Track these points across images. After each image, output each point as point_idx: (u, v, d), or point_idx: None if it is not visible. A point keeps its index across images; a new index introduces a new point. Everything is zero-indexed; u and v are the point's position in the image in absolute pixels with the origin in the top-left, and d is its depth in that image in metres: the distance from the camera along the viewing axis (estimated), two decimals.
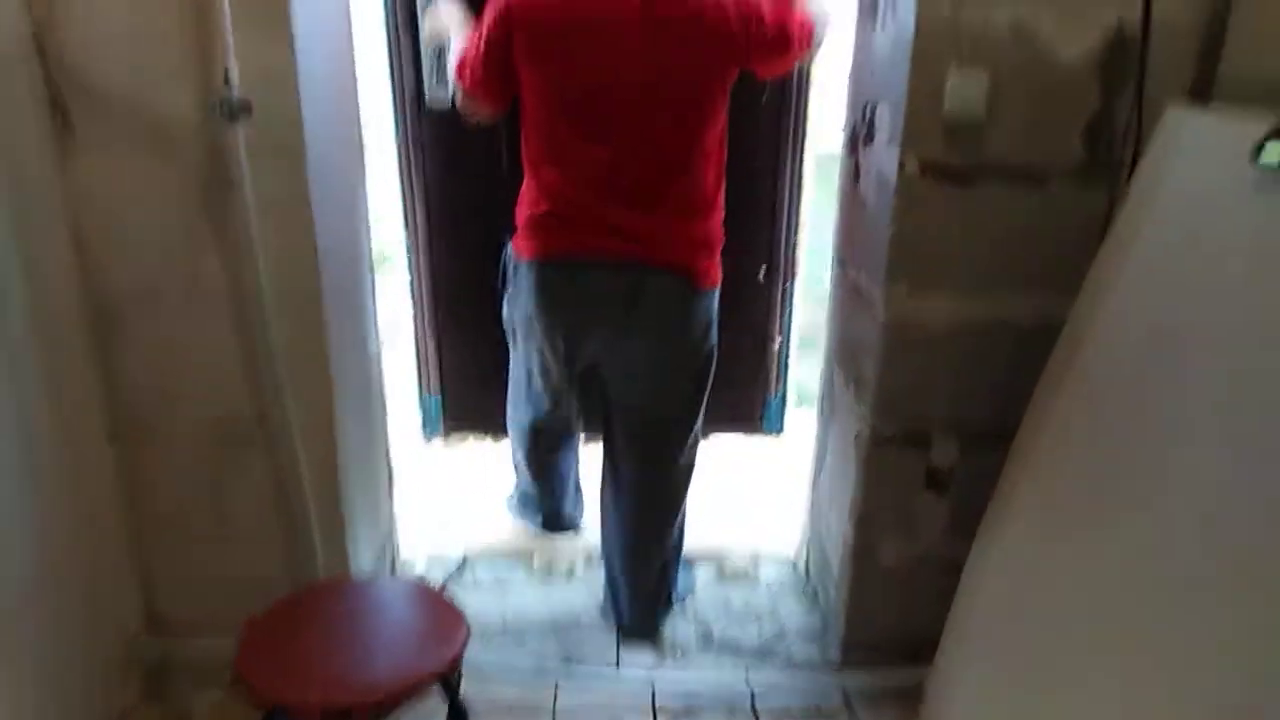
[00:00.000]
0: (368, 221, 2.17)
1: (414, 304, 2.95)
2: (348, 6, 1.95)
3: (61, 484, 1.69)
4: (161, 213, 1.70)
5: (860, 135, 1.99)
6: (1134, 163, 1.69)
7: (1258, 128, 1.30)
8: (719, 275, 2.03)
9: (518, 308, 2.10)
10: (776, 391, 2.93)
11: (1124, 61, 1.68)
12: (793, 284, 2.78)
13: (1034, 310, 1.80)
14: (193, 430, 1.84)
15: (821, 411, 2.33)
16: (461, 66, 1.97)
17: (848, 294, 2.08)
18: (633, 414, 2.12)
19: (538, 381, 2.20)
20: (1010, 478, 1.69)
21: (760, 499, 2.82)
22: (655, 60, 1.80)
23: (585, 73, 1.81)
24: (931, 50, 1.67)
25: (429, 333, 2.97)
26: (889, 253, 1.78)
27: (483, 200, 2.72)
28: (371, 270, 2.22)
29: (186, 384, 1.81)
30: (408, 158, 2.73)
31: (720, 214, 1.99)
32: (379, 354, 2.30)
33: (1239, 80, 1.64)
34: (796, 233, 2.67)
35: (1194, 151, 1.47)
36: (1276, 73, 1.57)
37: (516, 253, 2.02)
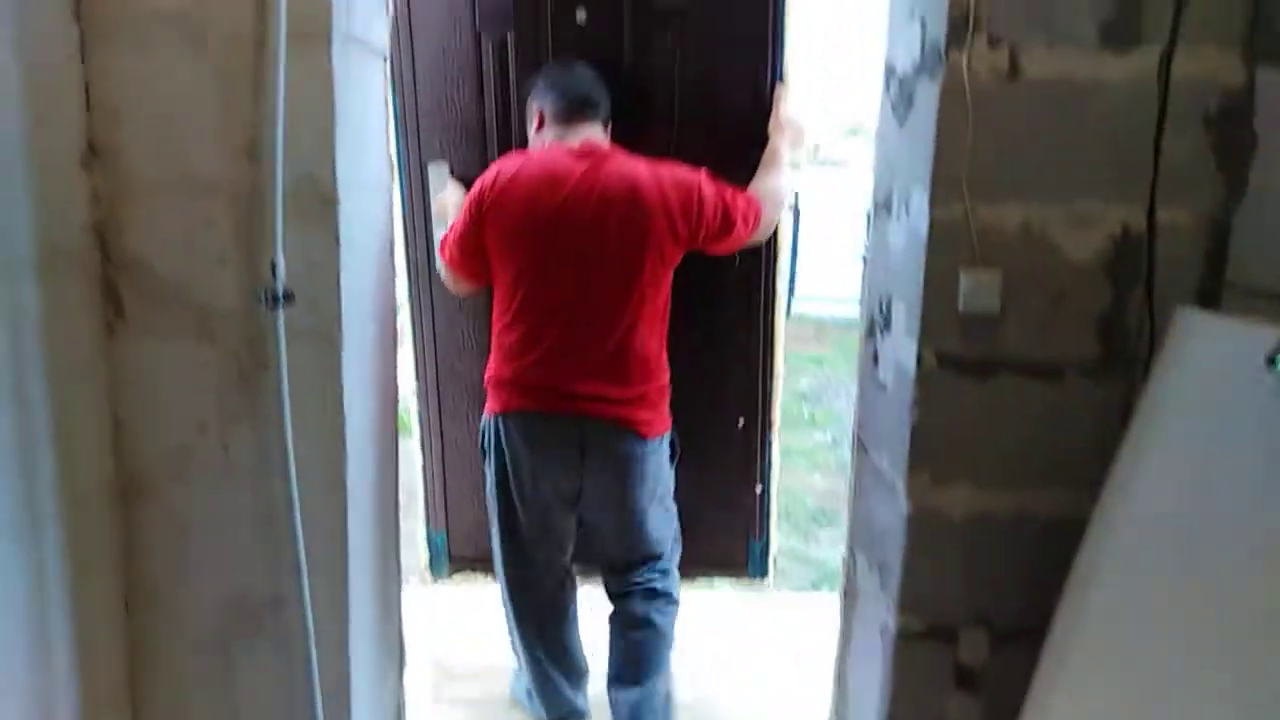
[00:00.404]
0: (397, 400, 2.22)
1: (422, 439, 2.96)
2: (391, 201, 2.08)
3: (72, 656, 1.66)
4: (198, 391, 1.75)
5: (878, 324, 2.04)
6: (1149, 360, 1.72)
7: (1269, 333, 1.34)
8: (665, 425, 2.28)
9: (491, 466, 2.31)
10: (759, 537, 2.98)
11: (1133, 262, 1.75)
12: (771, 434, 2.86)
13: (1056, 504, 1.78)
14: (205, 605, 1.82)
15: (845, 595, 2.27)
16: (443, 245, 2.26)
17: (869, 478, 2.08)
18: (609, 554, 2.36)
19: (523, 534, 2.31)
20: (1045, 679, 1.63)
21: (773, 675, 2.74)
22: (602, 243, 2.09)
23: (542, 256, 2.10)
24: (944, 250, 1.74)
25: (436, 468, 2.95)
26: (911, 441, 1.79)
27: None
28: (396, 444, 2.26)
29: (205, 556, 1.81)
30: (419, 313, 2.81)
31: (664, 373, 2.26)
32: (397, 533, 2.29)
33: (1247, 283, 1.69)
34: (772, 384, 2.79)
35: (1207, 354, 1.50)
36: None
37: (486, 413, 2.25)
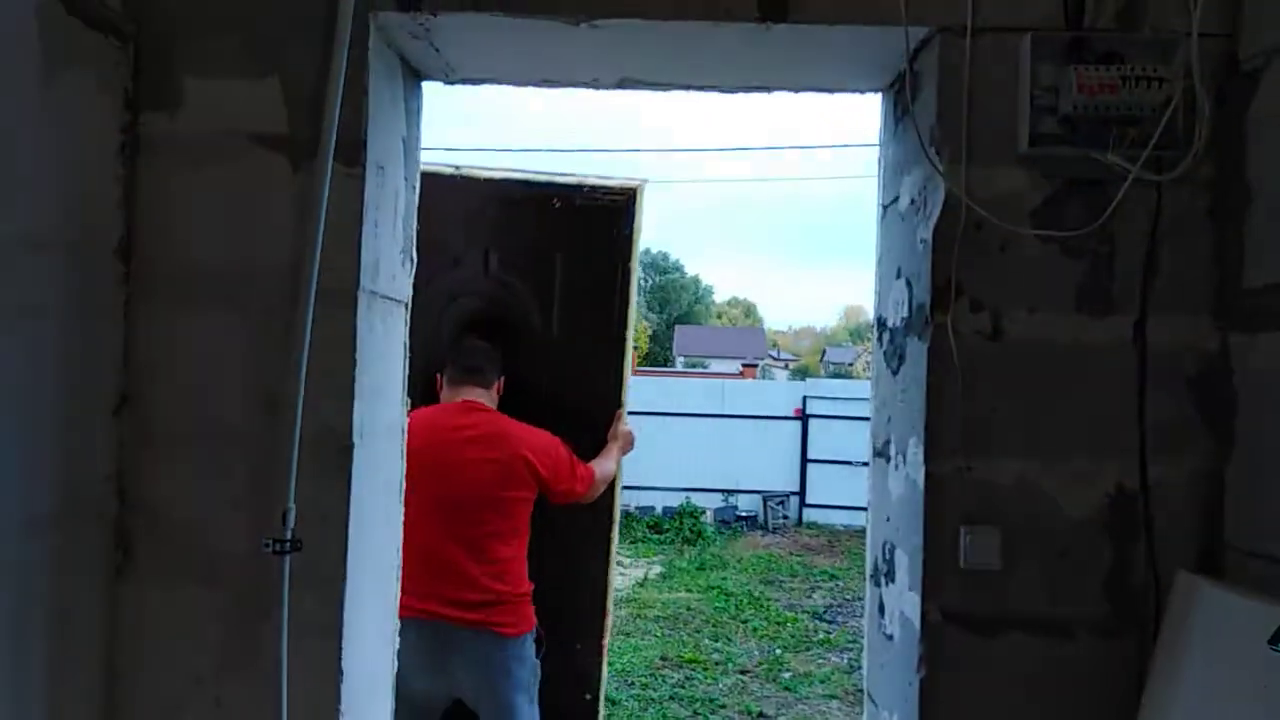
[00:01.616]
0: (395, 636, 2.18)
1: None
2: (403, 440, 2.14)
3: None
4: (198, 639, 1.74)
5: (882, 572, 2.03)
6: (1158, 620, 1.70)
7: (1273, 610, 1.33)
8: (527, 625, 2.70)
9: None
10: None
11: (1131, 519, 1.76)
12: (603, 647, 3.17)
13: None
14: None
15: None
16: None
17: None
18: None
19: None
20: None
21: None
22: (470, 483, 2.63)
23: (425, 484, 2.44)
24: (943, 503, 1.77)
25: None
26: (920, 701, 1.74)
27: None
28: (391, 683, 2.19)
29: None
30: None
31: (525, 586, 2.71)
32: None
33: (1246, 545, 1.69)
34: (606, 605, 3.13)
35: (1212, 626, 1.49)
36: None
37: None
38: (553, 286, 2.99)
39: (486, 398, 2.80)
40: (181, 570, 1.75)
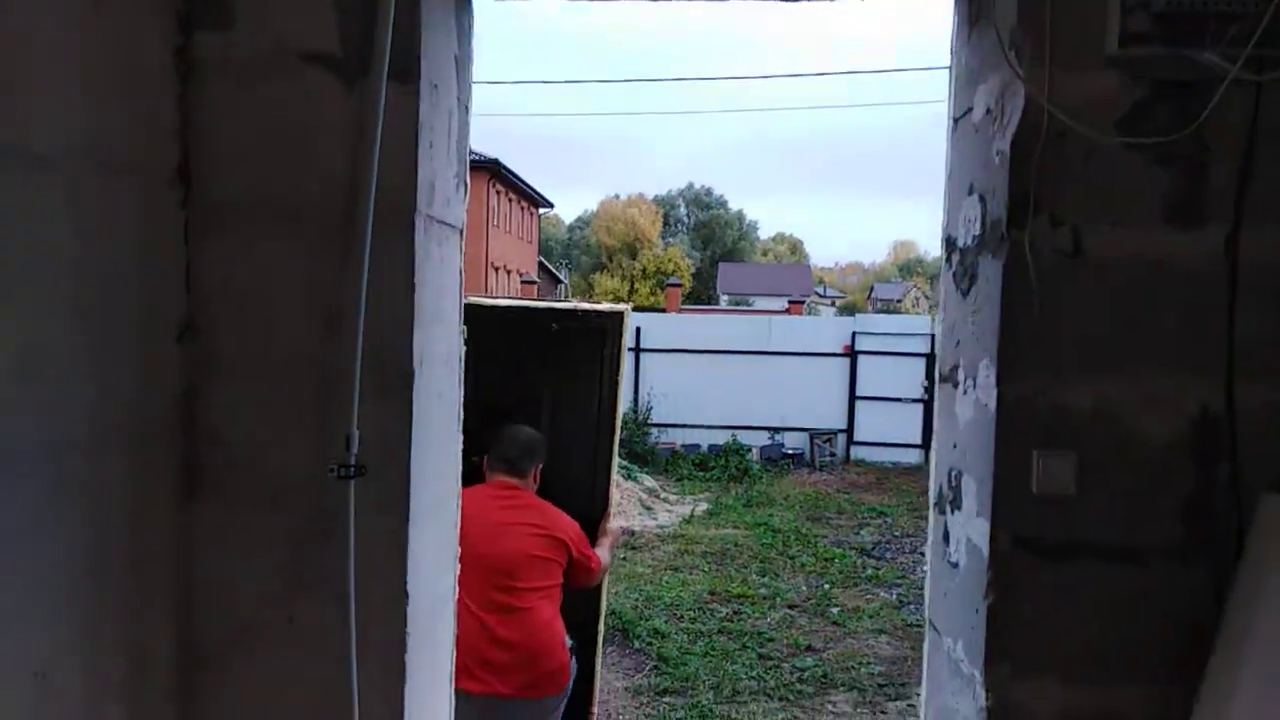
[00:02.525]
0: (456, 564, 2.21)
1: None
2: (460, 370, 2.13)
3: None
4: (268, 561, 1.77)
5: (947, 499, 1.99)
6: (1239, 544, 1.64)
7: None
8: (564, 682, 2.95)
9: None
10: None
11: (1215, 442, 1.69)
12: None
13: (1148, 705, 1.67)
14: None
15: None
16: None
17: (944, 666, 1.98)
18: None
19: None
20: None
21: None
22: (514, 557, 2.84)
23: (471, 557, 2.49)
24: (1015, 428, 1.71)
25: None
26: (987, 628, 1.71)
27: None
28: (453, 609, 2.23)
29: None
30: None
31: (563, 647, 2.95)
32: (451, 701, 2.24)
33: None
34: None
35: None
36: None
37: None
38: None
39: (523, 484, 3.05)
40: (250, 495, 1.78)
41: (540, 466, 3.11)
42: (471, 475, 2.85)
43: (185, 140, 1.76)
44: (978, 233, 1.89)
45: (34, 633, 1.42)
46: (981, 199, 1.87)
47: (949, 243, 2.08)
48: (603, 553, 3.25)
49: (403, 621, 1.77)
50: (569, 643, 3.03)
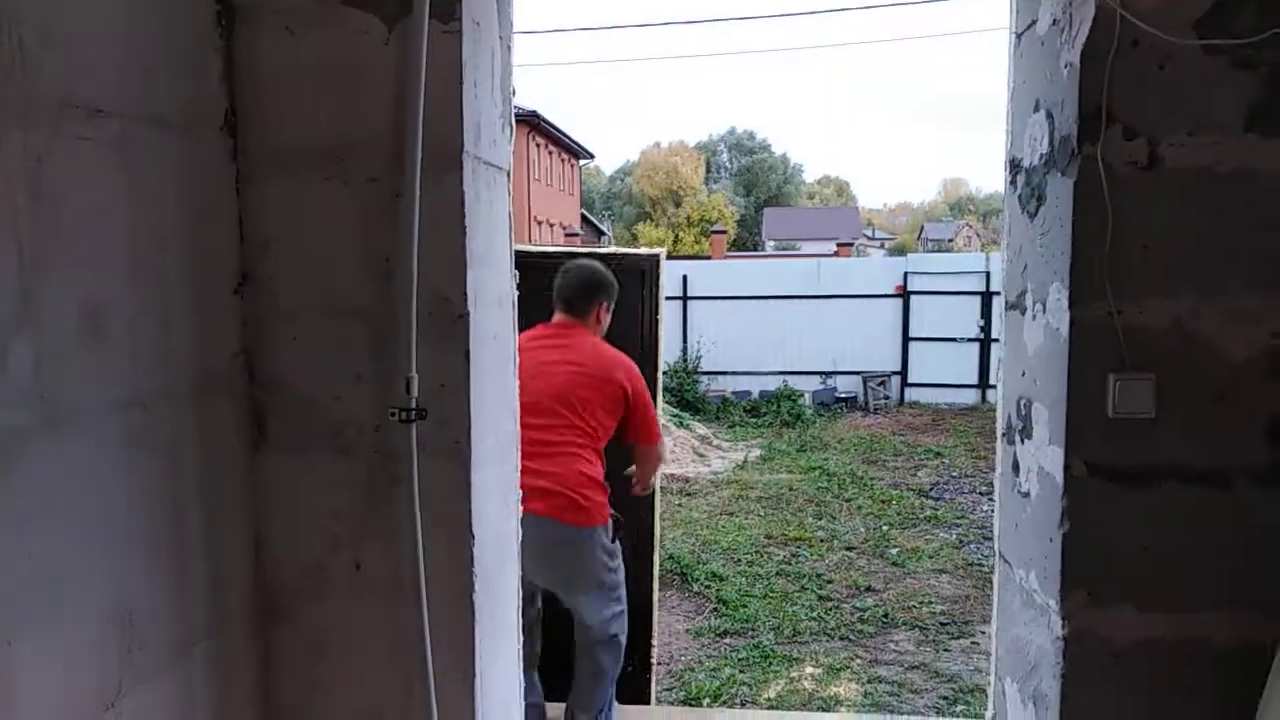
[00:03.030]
0: (518, 505, 2.23)
1: None
2: (514, 312, 2.13)
3: None
4: (334, 507, 1.80)
5: (1016, 429, 1.94)
6: None
7: None
8: (598, 519, 2.88)
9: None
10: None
11: None
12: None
13: (1232, 630, 1.62)
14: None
15: None
16: None
17: (1016, 598, 1.94)
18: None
19: None
20: None
21: None
22: (548, 394, 2.82)
23: (530, 393, 2.49)
24: (1088, 351, 1.65)
25: None
26: (1063, 557, 1.67)
27: None
28: (516, 548, 2.25)
29: (337, 676, 1.82)
30: None
31: (598, 490, 2.91)
32: (519, 640, 2.27)
33: None
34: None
35: None
36: None
37: None
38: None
39: (583, 324, 3.02)
40: (313, 441, 1.80)
41: (605, 305, 3.05)
42: None
43: (231, 90, 1.75)
44: (1045, 151, 1.81)
45: (121, 578, 1.46)
46: (1049, 115, 1.78)
47: (1013, 164, 1.99)
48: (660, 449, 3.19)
49: (470, 564, 1.79)
50: (612, 514, 2.96)
